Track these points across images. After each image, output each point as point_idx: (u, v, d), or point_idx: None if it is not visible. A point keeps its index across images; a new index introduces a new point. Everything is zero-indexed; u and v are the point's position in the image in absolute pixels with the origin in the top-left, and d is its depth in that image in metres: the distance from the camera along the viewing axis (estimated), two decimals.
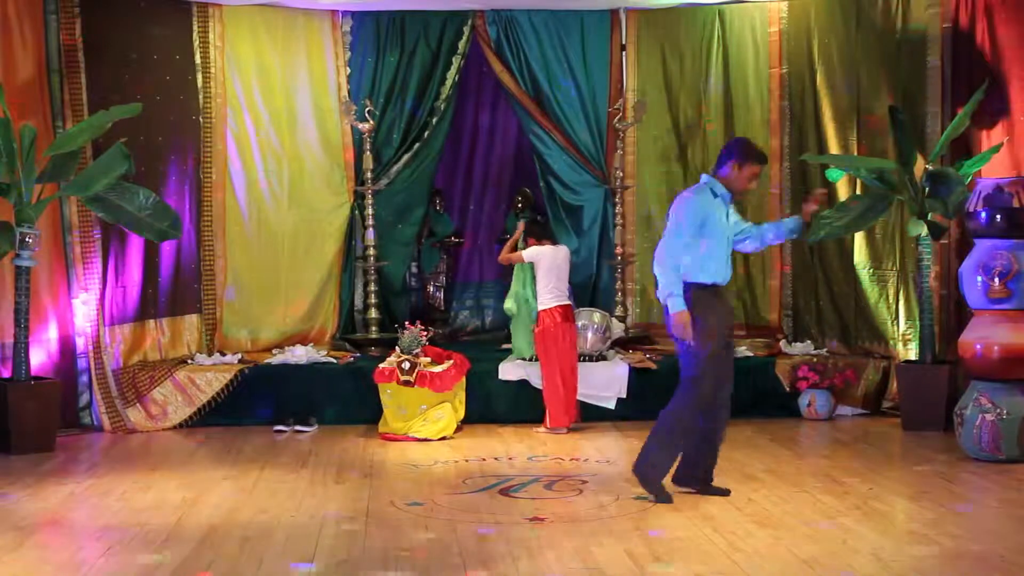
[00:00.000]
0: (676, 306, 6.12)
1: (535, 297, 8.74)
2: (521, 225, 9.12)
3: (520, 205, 11.12)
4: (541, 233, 8.96)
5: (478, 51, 10.45)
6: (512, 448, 8.00)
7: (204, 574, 5.04)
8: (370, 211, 9.89)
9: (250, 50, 9.92)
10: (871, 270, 9.39)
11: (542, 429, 8.56)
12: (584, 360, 8.96)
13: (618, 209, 10.23)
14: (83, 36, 8.91)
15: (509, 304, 9.06)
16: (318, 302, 10.18)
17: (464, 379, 8.74)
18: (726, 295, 6.51)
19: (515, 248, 8.95)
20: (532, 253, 8.71)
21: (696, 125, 10.42)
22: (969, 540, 5.47)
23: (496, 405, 9.05)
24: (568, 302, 8.72)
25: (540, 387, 8.72)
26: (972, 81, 8.55)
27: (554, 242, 9.07)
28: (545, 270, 8.61)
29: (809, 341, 9.82)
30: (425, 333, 8.68)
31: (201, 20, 9.65)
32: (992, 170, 8.33)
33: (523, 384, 8.98)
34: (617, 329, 9.74)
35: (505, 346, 10.10)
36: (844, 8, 9.57)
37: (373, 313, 9.95)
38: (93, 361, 8.87)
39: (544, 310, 8.61)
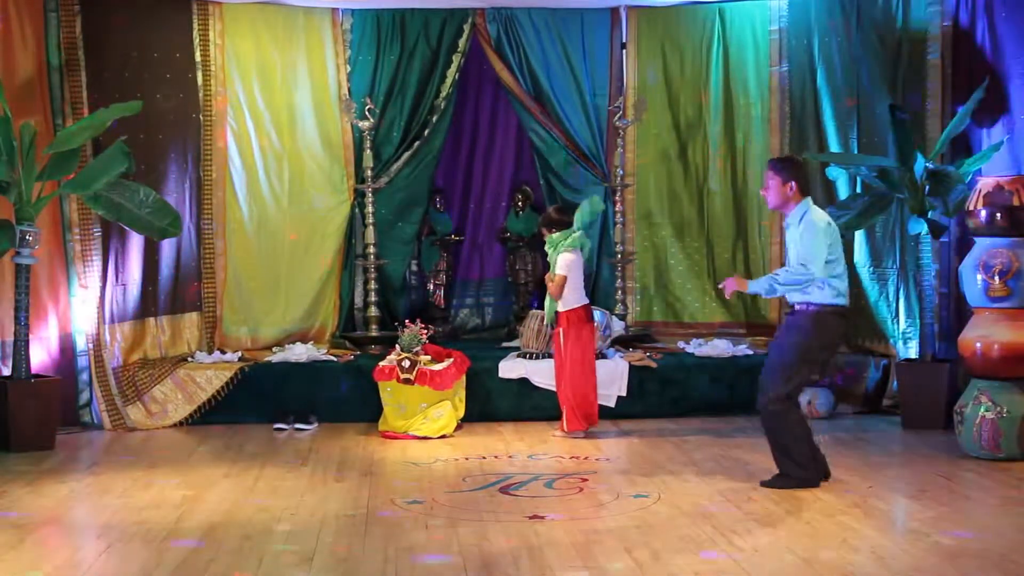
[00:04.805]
0: None
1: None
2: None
3: (520, 204, 11.11)
4: (562, 222, 8.56)
5: (478, 49, 10.43)
6: (512, 446, 8.00)
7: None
8: (370, 209, 9.87)
9: (250, 48, 9.90)
10: (871, 268, 9.39)
11: (559, 433, 8.33)
12: None
13: (618, 207, 10.22)
14: (83, 34, 8.91)
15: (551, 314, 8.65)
16: (318, 300, 10.16)
17: (464, 377, 8.73)
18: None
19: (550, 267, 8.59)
20: (566, 264, 8.32)
21: (696, 124, 10.42)
22: (969, 539, 5.47)
23: (496, 403, 9.04)
24: (588, 301, 8.54)
25: (544, 386, 8.68)
26: (972, 79, 8.54)
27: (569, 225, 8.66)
28: (575, 274, 8.40)
29: None
30: (425, 331, 8.67)
31: (201, 18, 9.63)
32: (992, 168, 8.32)
33: (523, 382, 8.97)
34: (617, 327, 9.74)
35: (506, 344, 10.10)
36: (844, 7, 9.55)
37: (373, 311, 9.93)
38: (93, 359, 8.87)
39: (570, 310, 8.35)
